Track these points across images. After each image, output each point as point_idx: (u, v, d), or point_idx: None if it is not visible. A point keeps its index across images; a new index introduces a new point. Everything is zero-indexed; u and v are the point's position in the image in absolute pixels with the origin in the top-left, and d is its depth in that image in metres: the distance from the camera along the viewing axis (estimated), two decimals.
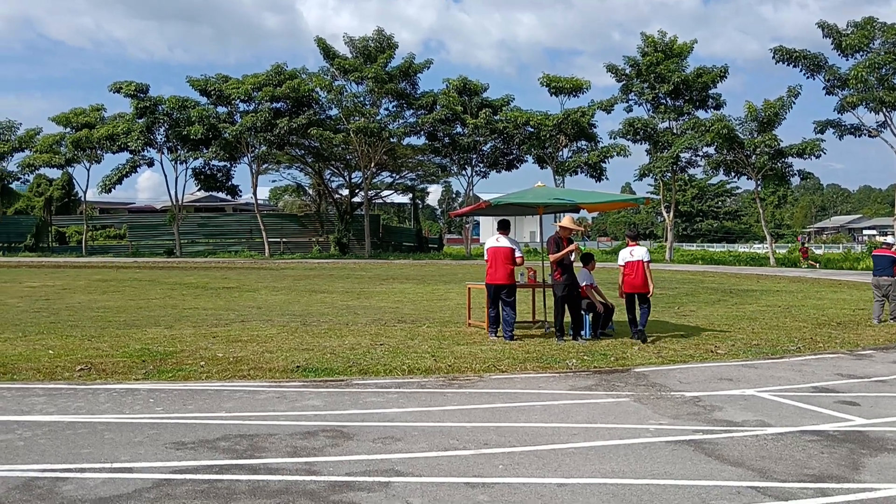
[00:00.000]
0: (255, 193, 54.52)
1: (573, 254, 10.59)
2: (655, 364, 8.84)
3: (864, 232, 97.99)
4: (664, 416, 6.20)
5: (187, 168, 53.75)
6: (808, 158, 41.92)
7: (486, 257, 10.84)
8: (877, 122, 40.09)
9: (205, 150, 51.84)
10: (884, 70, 38.04)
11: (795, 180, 47.00)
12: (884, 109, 38.77)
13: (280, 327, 12.03)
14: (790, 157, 43.31)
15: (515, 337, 10.70)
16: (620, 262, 11.00)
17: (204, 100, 52.44)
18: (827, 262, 42.49)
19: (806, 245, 50.31)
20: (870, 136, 40.41)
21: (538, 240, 11.99)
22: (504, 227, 10.97)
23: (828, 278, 30.13)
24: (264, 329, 11.78)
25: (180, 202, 54.61)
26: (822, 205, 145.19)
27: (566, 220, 10.77)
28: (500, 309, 10.75)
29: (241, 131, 49.64)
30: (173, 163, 52.69)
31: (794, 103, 42.43)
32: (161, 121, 50.83)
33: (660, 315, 14.70)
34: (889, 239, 14.63)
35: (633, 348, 9.92)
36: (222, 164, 54.64)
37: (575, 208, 12.08)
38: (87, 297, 18.49)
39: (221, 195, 59.93)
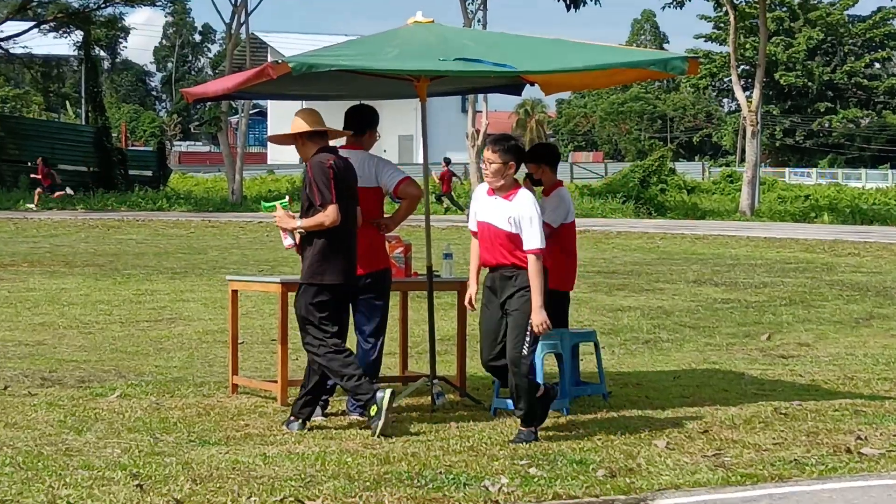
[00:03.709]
0: None
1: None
2: (714, 486, 5.71)
3: None
4: None
5: None
6: None
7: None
8: None
9: None
10: None
11: None
12: None
13: None
14: None
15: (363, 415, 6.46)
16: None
17: None
18: None
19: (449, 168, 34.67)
20: None
21: (416, 160, 7.26)
22: (358, 124, 6.95)
23: None
24: None
25: None
26: None
27: (297, 122, 6.42)
28: (359, 341, 6.97)
29: None
30: None
31: None
32: None
33: (724, 351, 10.80)
34: None
35: (650, 446, 6.34)
36: None
37: (515, 80, 7.67)
38: None
39: None
